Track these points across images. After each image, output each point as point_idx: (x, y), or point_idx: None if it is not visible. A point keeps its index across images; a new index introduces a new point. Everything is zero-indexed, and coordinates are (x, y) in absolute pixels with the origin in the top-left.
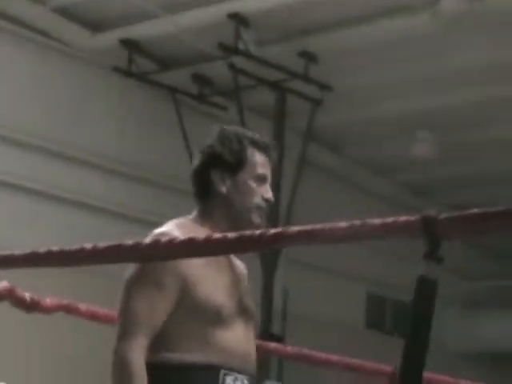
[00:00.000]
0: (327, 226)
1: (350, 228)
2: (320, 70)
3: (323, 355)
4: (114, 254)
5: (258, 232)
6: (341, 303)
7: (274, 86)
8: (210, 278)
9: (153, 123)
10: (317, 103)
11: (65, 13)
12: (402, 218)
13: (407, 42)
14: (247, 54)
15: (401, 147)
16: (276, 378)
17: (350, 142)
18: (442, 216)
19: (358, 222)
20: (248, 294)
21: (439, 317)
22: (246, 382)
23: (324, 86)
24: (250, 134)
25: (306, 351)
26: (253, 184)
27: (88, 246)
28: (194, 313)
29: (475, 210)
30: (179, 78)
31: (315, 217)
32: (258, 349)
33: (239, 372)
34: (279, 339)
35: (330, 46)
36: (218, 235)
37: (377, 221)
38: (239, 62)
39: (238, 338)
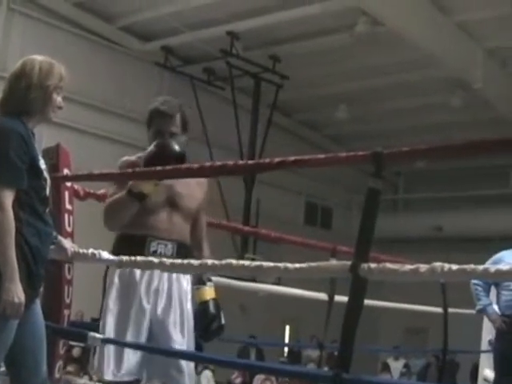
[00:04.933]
0: (313, 157)
1: (327, 158)
2: (281, 67)
3: (285, 236)
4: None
5: (268, 160)
6: (289, 207)
7: (253, 76)
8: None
9: (178, 97)
10: (279, 87)
11: (126, 29)
12: (360, 153)
13: (334, 49)
14: (237, 56)
15: (328, 113)
16: (252, 252)
17: (297, 110)
18: (384, 151)
19: (331, 154)
20: (185, 194)
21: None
22: (169, 245)
23: (284, 76)
24: (153, 104)
25: (273, 234)
26: (152, 135)
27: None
28: None
29: (404, 149)
30: (195, 70)
31: (276, 154)
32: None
33: (162, 239)
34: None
35: (287, 52)
36: (234, 162)
37: (343, 154)
38: (232, 60)
39: (162, 219)
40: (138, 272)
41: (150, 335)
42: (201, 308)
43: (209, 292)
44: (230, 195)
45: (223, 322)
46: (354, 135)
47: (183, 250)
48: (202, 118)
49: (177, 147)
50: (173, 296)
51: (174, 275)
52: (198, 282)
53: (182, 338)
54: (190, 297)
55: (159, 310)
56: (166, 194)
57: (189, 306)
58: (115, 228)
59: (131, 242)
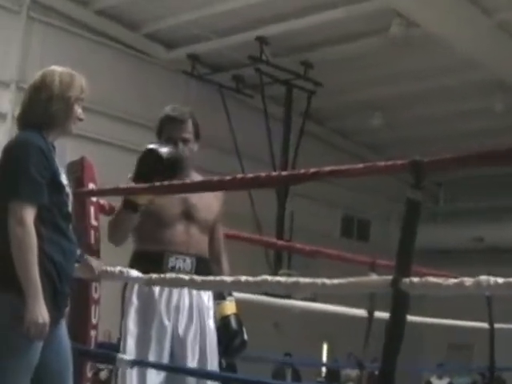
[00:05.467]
0: (350, 166)
1: (365, 167)
2: (314, 73)
3: (322, 250)
4: None
5: (302, 170)
6: (324, 220)
7: (284, 83)
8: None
9: (206, 106)
10: (311, 94)
11: (150, 36)
12: (399, 162)
13: (368, 54)
14: (267, 63)
15: (362, 120)
16: (287, 267)
17: (330, 118)
18: (425, 160)
19: (369, 164)
20: (201, 206)
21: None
22: (188, 259)
23: (316, 83)
24: (163, 112)
25: (308, 248)
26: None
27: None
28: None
29: (445, 156)
30: (224, 77)
31: (311, 166)
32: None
33: (180, 253)
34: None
35: (320, 57)
36: (266, 174)
37: (381, 163)
38: (262, 67)
39: (178, 232)
40: (156, 289)
41: (171, 354)
42: (222, 324)
43: (230, 307)
44: (262, 208)
45: (246, 337)
46: (390, 143)
47: (202, 265)
48: (231, 128)
49: (164, 151)
50: (194, 312)
51: (195, 291)
52: (218, 296)
53: (204, 357)
54: (211, 313)
55: (180, 328)
56: (182, 206)
57: (211, 323)
58: (118, 243)
59: (148, 259)
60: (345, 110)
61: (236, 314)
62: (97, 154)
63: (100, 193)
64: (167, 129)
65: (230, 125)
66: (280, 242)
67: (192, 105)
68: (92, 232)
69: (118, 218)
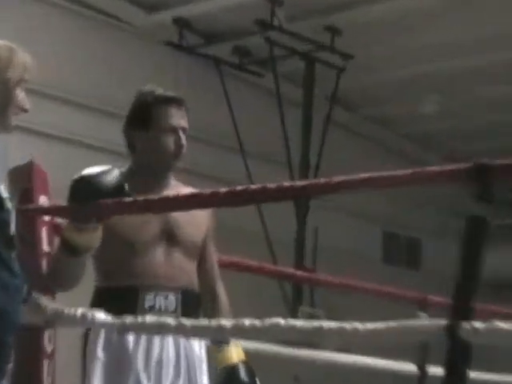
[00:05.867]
0: (389, 174)
1: (413, 174)
2: (343, 42)
3: (353, 282)
4: None
5: (324, 179)
6: (361, 240)
7: (304, 56)
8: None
9: (199, 88)
10: (340, 70)
11: None
12: (459, 166)
13: (416, 16)
14: (280, 29)
15: (409, 105)
16: (309, 303)
17: (365, 103)
18: (495, 164)
19: (417, 169)
20: (184, 222)
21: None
22: (171, 295)
23: (346, 56)
24: (147, 93)
25: (336, 280)
26: (154, 135)
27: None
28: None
29: None
30: (222, 50)
31: (339, 165)
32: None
33: (160, 288)
34: (311, 271)
35: (351, 21)
36: (270, 185)
37: (434, 168)
38: (274, 35)
39: (157, 260)
40: (131, 337)
41: None
42: (227, 375)
43: (236, 352)
44: (277, 223)
45: None
46: (443, 134)
47: (191, 301)
48: (232, 117)
49: (104, 181)
50: (182, 367)
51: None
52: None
53: None
54: (205, 367)
55: None
56: (160, 224)
57: (204, 380)
58: (64, 290)
59: (117, 297)
60: (384, 91)
61: (246, 363)
62: (50, 155)
63: (54, 210)
64: (163, 114)
65: (231, 112)
66: (299, 273)
67: (181, 86)
68: (44, 261)
69: (54, 261)
